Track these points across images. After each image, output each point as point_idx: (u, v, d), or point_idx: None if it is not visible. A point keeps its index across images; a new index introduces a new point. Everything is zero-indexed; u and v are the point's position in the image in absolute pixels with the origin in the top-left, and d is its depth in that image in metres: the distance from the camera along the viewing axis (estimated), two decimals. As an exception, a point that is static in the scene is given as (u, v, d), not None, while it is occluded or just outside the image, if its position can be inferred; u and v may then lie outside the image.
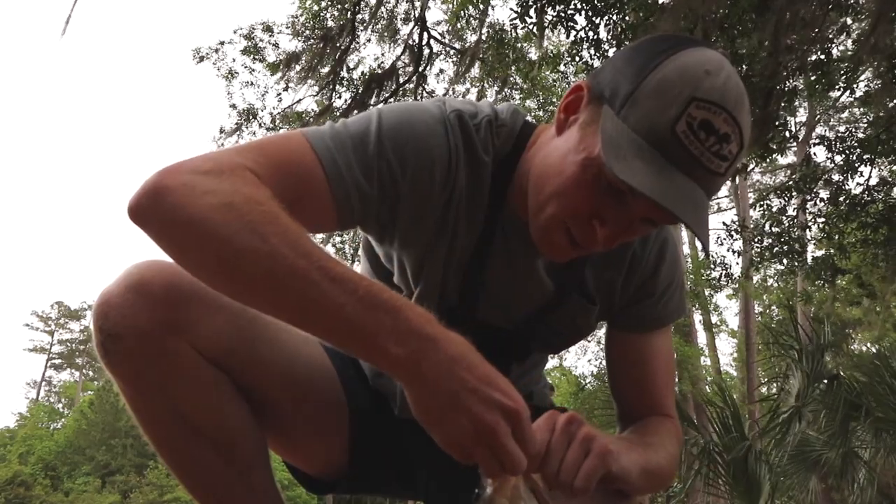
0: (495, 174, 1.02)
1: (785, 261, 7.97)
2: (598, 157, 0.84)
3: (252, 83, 11.62)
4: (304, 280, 0.73)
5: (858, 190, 7.78)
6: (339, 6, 10.22)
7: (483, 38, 10.38)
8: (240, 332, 1.00)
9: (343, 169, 0.91)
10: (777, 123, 6.30)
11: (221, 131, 11.49)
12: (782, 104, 6.12)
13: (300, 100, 11.39)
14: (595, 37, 6.51)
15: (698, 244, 0.87)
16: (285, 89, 10.95)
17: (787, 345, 5.98)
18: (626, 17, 6.09)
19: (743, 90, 0.86)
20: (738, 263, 9.24)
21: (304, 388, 1.11)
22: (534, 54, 10.76)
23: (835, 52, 6.60)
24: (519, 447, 0.74)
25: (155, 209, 0.79)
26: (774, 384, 6.07)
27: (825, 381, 5.50)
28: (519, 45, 9.96)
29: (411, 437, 1.20)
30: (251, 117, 11.39)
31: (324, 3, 10.34)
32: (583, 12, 6.38)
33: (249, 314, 1.00)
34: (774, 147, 6.83)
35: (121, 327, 0.89)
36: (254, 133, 11.39)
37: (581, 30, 6.49)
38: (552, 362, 25.28)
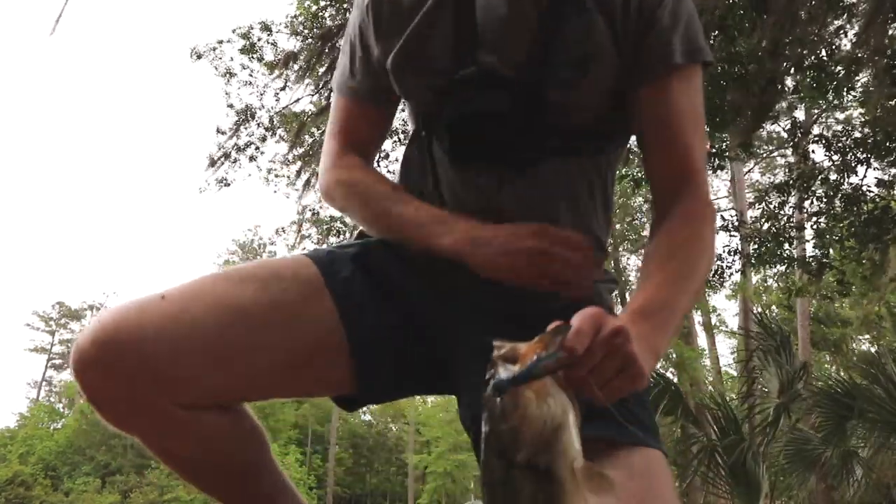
0: None
1: (778, 262, 7.95)
2: None
3: (250, 83, 11.54)
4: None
5: (851, 190, 7.78)
6: (338, 5, 10.20)
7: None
8: (216, 361, 0.96)
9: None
10: (770, 115, 6.28)
11: (219, 131, 11.45)
12: (781, 103, 6.10)
13: (298, 99, 11.34)
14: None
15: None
16: (282, 89, 10.91)
17: (761, 338, 6.05)
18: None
19: None
20: (732, 264, 9.19)
21: (296, 353, 1.03)
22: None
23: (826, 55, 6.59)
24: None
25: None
26: (759, 380, 6.12)
27: (798, 370, 5.56)
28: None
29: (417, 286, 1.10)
30: (249, 117, 11.34)
31: (322, 3, 10.31)
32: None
33: (222, 340, 0.95)
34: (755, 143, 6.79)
35: (97, 400, 0.93)
36: (251, 133, 11.33)
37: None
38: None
